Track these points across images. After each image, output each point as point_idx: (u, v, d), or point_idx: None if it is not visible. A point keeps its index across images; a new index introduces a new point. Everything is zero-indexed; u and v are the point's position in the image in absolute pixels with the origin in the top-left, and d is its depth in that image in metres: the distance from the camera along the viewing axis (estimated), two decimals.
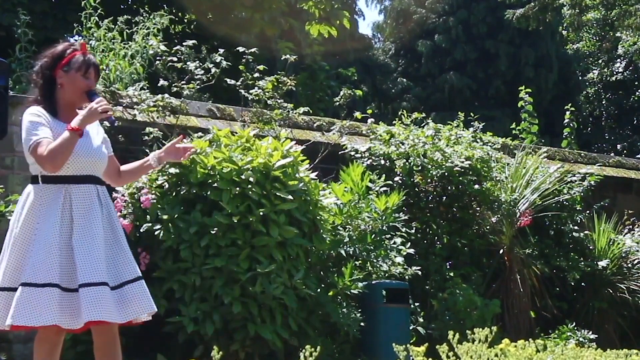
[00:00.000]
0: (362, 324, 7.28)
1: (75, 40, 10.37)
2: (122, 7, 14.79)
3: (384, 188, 8.20)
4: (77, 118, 4.08)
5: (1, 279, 4.06)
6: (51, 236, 4.00)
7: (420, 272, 8.02)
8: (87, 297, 3.95)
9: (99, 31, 9.41)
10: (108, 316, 3.98)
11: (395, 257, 7.76)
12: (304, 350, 4.22)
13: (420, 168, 8.84)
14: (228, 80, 8.78)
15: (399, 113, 10.12)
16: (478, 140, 9.76)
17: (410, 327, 7.75)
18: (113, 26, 9.52)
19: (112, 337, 4.16)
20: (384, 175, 8.45)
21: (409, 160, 8.85)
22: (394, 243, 7.90)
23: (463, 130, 9.78)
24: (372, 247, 7.66)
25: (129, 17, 9.83)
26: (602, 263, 9.69)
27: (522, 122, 12.54)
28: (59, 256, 3.99)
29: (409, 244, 8.08)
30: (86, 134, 4.17)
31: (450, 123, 9.87)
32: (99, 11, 9.70)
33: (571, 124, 13.39)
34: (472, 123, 10.30)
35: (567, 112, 13.35)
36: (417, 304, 8.21)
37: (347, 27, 16.25)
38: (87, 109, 4.10)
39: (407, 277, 7.82)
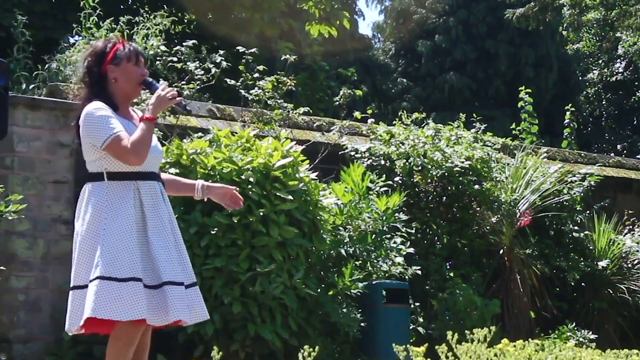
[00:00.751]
0: (362, 324, 7.28)
1: (76, 41, 10.38)
2: (121, 7, 14.78)
3: (384, 188, 8.20)
4: (147, 108, 4.00)
5: (73, 277, 3.93)
6: (129, 232, 3.89)
7: (420, 272, 8.02)
8: (174, 295, 3.88)
9: (100, 31, 9.41)
10: (187, 316, 3.94)
11: (395, 257, 7.76)
12: (302, 350, 4.22)
13: (420, 168, 8.84)
14: (228, 80, 8.78)
15: (399, 113, 10.11)
16: (478, 140, 9.76)
17: (410, 327, 7.75)
18: (115, 26, 9.51)
19: (149, 339, 4.10)
20: (384, 175, 8.45)
21: (409, 161, 8.85)
22: (394, 243, 7.90)
23: (463, 130, 9.78)
24: (372, 248, 7.66)
25: (130, 17, 9.83)
26: (602, 263, 9.68)
27: (522, 122, 12.53)
28: (140, 253, 3.89)
29: (409, 243, 8.07)
30: None
31: (450, 123, 9.87)
32: (97, 11, 9.68)
33: (571, 124, 13.39)
34: (474, 124, 10.30)
35: (567, 113, 13.34)
36: (417, 304, 8.21)
37: (347, 27, 16.24)
38: (155, 97, 4.02)
39: (407, 277, 7.82)
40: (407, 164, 8.82)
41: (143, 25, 9.73)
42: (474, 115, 10.77)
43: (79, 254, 3.93)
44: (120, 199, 3.94)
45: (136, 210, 3.94)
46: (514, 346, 4.07)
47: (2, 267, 6.70)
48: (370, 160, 8.84)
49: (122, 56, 4.08)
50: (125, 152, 3.89)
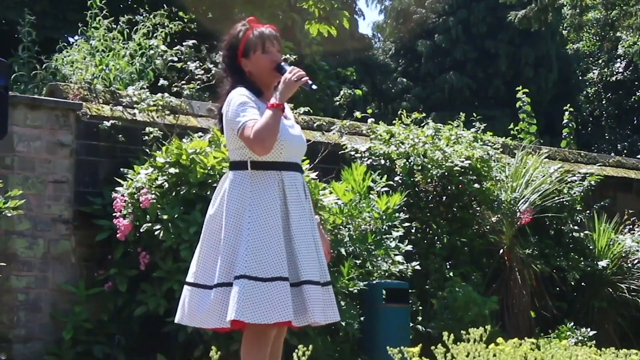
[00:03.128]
0: (362, 323, 7.28)
1: (75, 41, 10.37)
2: (121, 6, 14.79)
3: (385, 188, 8.20)
4: (275, 94, 3.86)
5: (217, 274, 3.78)
6: (276, 227, 3.77)
7: (420, 270, 8.01)
8: (311, 296, 3.77)
9: (99, 31, 9.40)
10: (322, 318, 3.83)
11: (395, 255, 7.75)
12: (297, 350, 4.21)
13: (420, 168, 8.84)
14: None
15: (399, 113, 10.11)
16: (478, 140, 9.76)
17: (410, 326, 7.75)
18: (114, 26, 9.51)
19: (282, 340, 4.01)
20: (384, 175, 8.45)
21: (409, 160, 8.85)
22: (394, 240, 7.89)
23: (463, 130, 9.78)
24: (372, 247, 7.66)
25: (130, 17, 9.83)
26: (602, 263, 9.68)
27: (521, 122, 12.50)
28: (285, 249, 3.77)
29: (407, 241, 8.05)
30: (290, 118, 4.05)
31: (450, 123, 9.87)
32: (104, 12, 9.68)
33: (570, 124, 13.38)
34: (473, 123, 10.30)
35: (566, 113, 13.34)
36: (417, 303, 8.21)
37: (347, 27, 16.24)
38: (282, 82, 3.88)
39: (407, 276, 7.80)
40: (407, 163, 8.82)
41: (143, 25, 9.71)
42: (474, 115, 10.77)
43: (224, 249, 3.80)
44: (265, 190, 3.82)
45: (281, 202, 3.83)
46: (513, 344, 4.07)
47: (2, 264, 6.70)
48: (370, 160, 8.84)
49: (250, 48, 3.98)
50: (248, 141, 3.78)
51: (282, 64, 4.00)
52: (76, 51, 9.18)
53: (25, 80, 9.03)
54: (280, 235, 3.78)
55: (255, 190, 3.83)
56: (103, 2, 9.67)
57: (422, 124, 9.67)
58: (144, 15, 9.99)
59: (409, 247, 7.97)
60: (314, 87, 3.98)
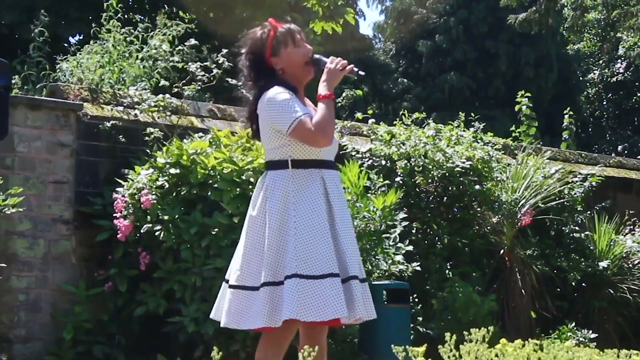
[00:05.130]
0: (362, 323, 7.26)
1: (77, 41, 10.35)
2: (121, 6, 14.77)
3: (383, 188, 8.18)
4: (321, 86, 3.86)
5: (264, 273, 3.77)
6: (322, 224, 3.76)
7: (420, 270, 8.00)
8: (358, 291, 3.79)
9: (112, 34, 9.37)
10: (364, 314, 3.84)
11: (394, 255, 7.74)
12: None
13: (421, 169, 8.83)
14: (229, 80, 8.77)
15: (400, 113, 10.09)
16: (479, 140, 9.75)
17: (411, 327, 7.74)
18: (132, 30, 9.48)
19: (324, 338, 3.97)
20: (384, 175, 8.44)
21: (410, 161, 8.84)
22: (393, 241, 7.88)
23: (464, 130, 9.77)
24: (370, 247, 7.65)
25: (131, 17, 9.81)
26: (603, 263, 9.68)
27: (521, 124, 12.47)
28: (334, 245, 3.77)
29: (407, 241, 8.04)
30: None
31: (450, 123, 9.86)
32: (119, 15, 9.64)
33: (570, 127, 13.37)
34: (472, 123, 10.29)
35: (566, 116, 13.33)
36: (417, 303, 8.21)
37: (352, 23, 16.20)
38: (326, 72, 3.87)
39: (407, 275, 7.80)
40: (408, 164, 8.82)
41: (159, 30, 9.65)
42: (472, 114, 10.75)
43: (268, 249, 3.79)
44: (308, 187, 3.82)
45: (324, 199, 3.82)
46: (516, 345, 4.08)
47: (3, 265, 6.70)
48: (371, 161, 8.83)
49: (279, 44, 3.96)
50: (311, 134, 3.76)
51: (317, 56, 3.98)
52: (87, 53, 9.14)
53: (33, 80, 9.01)
54: (327, 232, 3.77)
55: (298, 189, 3.82)
56: (110, 2, 9.64)
57: (422, 125, 9.66)
58: (145, 19, 9.95)
59: (410, 248, 7.96)
60: (361, 72, 3.97)
